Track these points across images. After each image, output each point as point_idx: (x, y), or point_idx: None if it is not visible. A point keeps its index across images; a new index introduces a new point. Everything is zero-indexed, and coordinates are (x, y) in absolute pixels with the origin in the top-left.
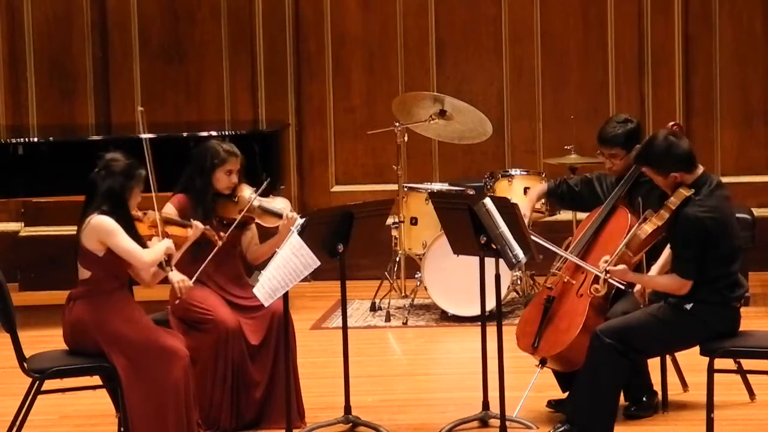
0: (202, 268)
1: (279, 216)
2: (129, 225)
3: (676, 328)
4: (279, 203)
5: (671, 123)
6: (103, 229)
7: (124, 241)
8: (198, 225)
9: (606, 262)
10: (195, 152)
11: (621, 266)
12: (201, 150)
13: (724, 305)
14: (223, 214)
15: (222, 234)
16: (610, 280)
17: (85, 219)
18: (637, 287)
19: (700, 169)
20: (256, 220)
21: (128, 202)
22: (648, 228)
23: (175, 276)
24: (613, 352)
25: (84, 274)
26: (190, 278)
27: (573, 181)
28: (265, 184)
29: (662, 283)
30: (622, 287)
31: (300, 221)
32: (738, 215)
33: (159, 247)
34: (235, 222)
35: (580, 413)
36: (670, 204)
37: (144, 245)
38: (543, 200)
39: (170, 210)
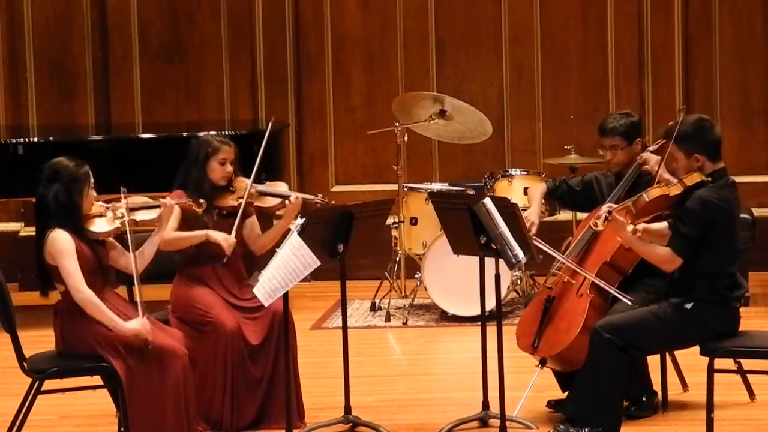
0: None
1: (279, 197)
2: (82, 231)
3: (676, 327)
4: (278, 186)
5: (671, 123)
6: (55, 247)
7: (68, 264)
8: (168, 202)
9: (611, 207)
10: (189, 147)
11: (623, 219)
12: (194, 143)
13: (724, 305)
14: (222, 204)
15: (200, 201)
16: (599, 283)
17: (42, 236)
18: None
19: (722, 165)
20: (256, 204)
21: (80, 205)
22: (655, 192)
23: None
24: (612, 348)
25: (61, 288)
26: (195, 277)
27: (573, 182)
28: (257, 166)
29: (653, 251)
30: (611, 291)
31: (300, 221)
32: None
33: (110, 316)
34: (240, 211)
35: (583, 410)
36: (686, 180)
37: (101, 243)
38: (542, 201)
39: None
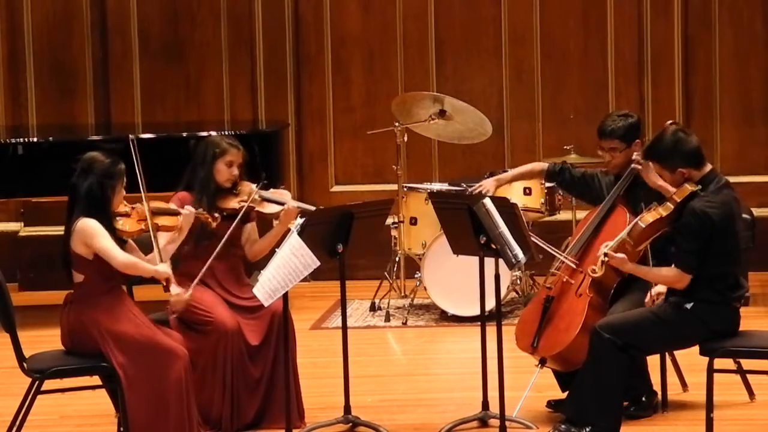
0: (205, 268)
1: (278, 204)
2: (111, 225)
3: (676, 326)
4: (280, 195)
5: (669, 122)
6: (87, 232)
7: (102, 241)
8: (189, 210)
9: (606, 246)
10: (197, 147)
11: (620, 254)
12: (203, 143)
13: (724, 305)
14: (225, 206)
15: (216, 215)
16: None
17: (70, 224)
18: (647, 298)
19: (708, 167)
20: (257, 209)
21: (111, 200)
22: (649, 218)
23: (173, 290)
24: (612, 348)
25: (78, 278)
26: (194, 276)
27: (576, 172)
28: (263, 178)
29: (662, 274)
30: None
31: (300, 221)
32: None
33: (146, 267)
34: (240, 213)
35: (583, 410)
36: (675, 196)
37: (124, 242)
38: (543, 199)
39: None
